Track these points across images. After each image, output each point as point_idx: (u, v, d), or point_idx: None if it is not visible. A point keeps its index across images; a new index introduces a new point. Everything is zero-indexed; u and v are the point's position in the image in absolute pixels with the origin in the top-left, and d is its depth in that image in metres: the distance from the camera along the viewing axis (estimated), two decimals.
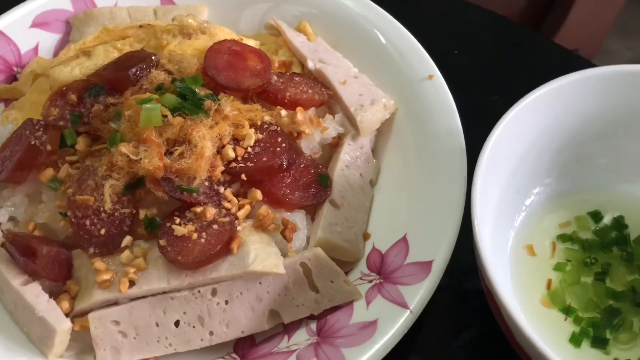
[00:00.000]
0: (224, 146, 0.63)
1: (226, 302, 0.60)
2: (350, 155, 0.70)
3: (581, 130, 0.66)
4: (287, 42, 0.78)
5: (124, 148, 0.61)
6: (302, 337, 0.60)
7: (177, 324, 0.60)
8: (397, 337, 0.57)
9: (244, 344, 0.63)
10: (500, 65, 0.93)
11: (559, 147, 0.67)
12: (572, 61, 0.92)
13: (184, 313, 0.60)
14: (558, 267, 0.65)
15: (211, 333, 0.60)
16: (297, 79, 0.72)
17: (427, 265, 0.61)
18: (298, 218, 0.64)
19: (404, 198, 0.68)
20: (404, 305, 0.59)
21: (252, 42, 0.76)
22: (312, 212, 0.67)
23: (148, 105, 0.61)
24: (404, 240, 0.64)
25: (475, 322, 0.67)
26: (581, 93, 0.64)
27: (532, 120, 0.62)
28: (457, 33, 0.96)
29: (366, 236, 0.68)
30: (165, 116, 0.62)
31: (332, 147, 0.72)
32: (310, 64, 0.75)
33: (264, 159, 0.64)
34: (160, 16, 0.83)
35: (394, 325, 0.58)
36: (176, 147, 0.62)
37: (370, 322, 0.59)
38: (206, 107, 0.63)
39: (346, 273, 0.65)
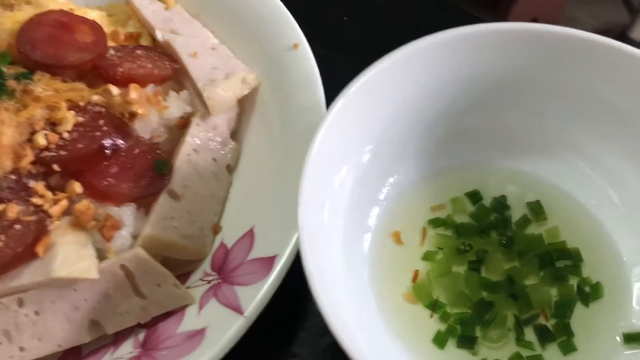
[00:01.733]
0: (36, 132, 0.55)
1: (36, 313, 0.52)
2: (199, 138, 0.62)
3: (454, 101, 0.58)
4: (135, 11, 0.69)
5: None
6: (126, 350, 0.52)
7: None
8: (227, 346, 0.49)
9: (69, 357, 0.55)
10: (397, 33, 0.84)
11: (429, 121, 0.58)
12: None
13: None
14: (427, 256, 0.57)
15: (22, 349, 0.52)
16: (139, 52, 0.63)
17: (269, 262, 0.53)
18: (124, 213, 0.56)
19: (266, 184, 0.60)
20: (238, 310, 0.51)
21: (93, 14, 0.67)
22: (150, 205, 0.59)
23: None
24: (250, 233, 0.56)
25: None
26: (449, 56, 0.55)
27: (390, 89, 0.54)
28: None
29: (217, 229, 0.60)
30: None
31: (181, 129, 0.63)
32: (159, 35, 0.66)
33: (80, 145, 0.55)
34: None
35: (224, 333, 0.50)
36: None
37: (198, 331, 0.51)
38: (10, 88, 0.54)
39: (190, 274, 0.58)
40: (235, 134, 0.66)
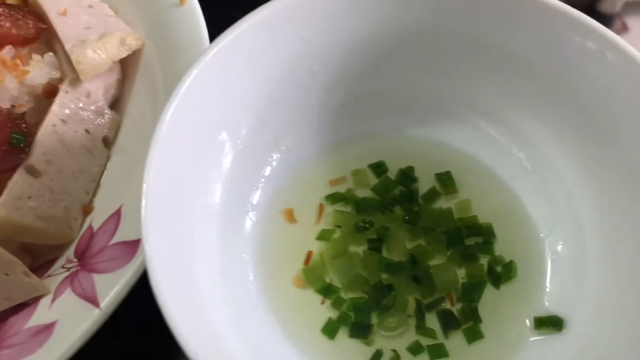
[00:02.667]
0: None
1: None
2: (68, 107, 0.54)
3: (353, 61, 0.51)
4: None
5: None
6: None
7: None
8: (76, 344, 0.42)
9: None
10: None
11: (326, 84, 0.51)
12: None
13: None
14: (323, 236, 0.51)
15: None
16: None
17: (133, 246, 0.46)
18: None
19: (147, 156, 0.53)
20: (94, 301, 0.44)
21: None
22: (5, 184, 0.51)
23: None
24: (117, 213, 0.49)
25: None
26: (341, 9, 0.48)
27: (271, 47, 0.47)
28: None
29: (88, 210, 0.53)
30: None
31: (48, 97, 0.55)
32: None
33: None
34: None
35: (75, 329, 0.43)
36: None
37: (46, 326, 0.44)
38: None
39: (55, 260, 0.51)
40: (116, 102, 0.59)
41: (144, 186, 0.37)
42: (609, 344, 0.41)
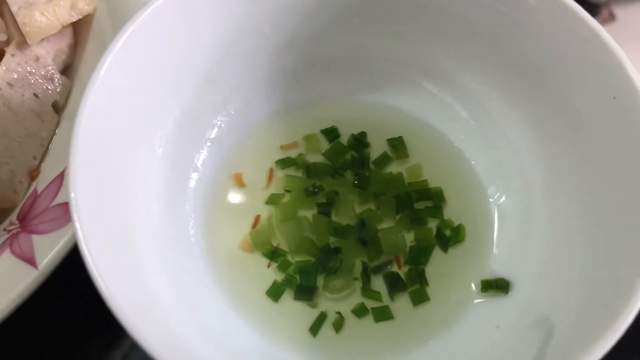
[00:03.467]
0: None
1: None
2: (15, 71, 0.53)
3: (304, 25, 0.50)
4: None
5: None
6: None
7: None
8: (10, 305, 0.42)
9: None
10: None
11: (277, 48, 0.50)
12: None
13: None
14: (272, 200, 0.50)
15: None
16: None
17: None
18: None
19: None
20: (32, 262, 0.43)
21: None
22: None
23: None
24: (61, 175, 0.49)
25: None
26: None
27: (215, 6, 0.46)
28: None
29: (34, 175, 0.52)
30: None
31: None
32: None
33: None
34: None
35: (10, 290, 0.42)
36: None
37: None
38: None
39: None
40: (67, 68, 0.58)
41: (73, 137, 0.37)
42: (551, 304, 0.41)
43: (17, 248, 0.45)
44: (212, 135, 0.50)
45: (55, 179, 0.49)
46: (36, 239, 0.45)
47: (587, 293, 0.38)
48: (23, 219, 0.47)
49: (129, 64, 0.41)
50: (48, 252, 0.44)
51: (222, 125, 0.51)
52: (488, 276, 0.46)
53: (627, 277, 0.35)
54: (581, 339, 0.34)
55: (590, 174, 0.43)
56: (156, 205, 0.44)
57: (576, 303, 0.39)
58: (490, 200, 0.50)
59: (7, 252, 0.45)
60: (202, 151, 0.50)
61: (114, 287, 0.33)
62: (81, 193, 0.36)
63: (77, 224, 0.34)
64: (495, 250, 0.48)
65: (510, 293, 0.45)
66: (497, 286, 0.45)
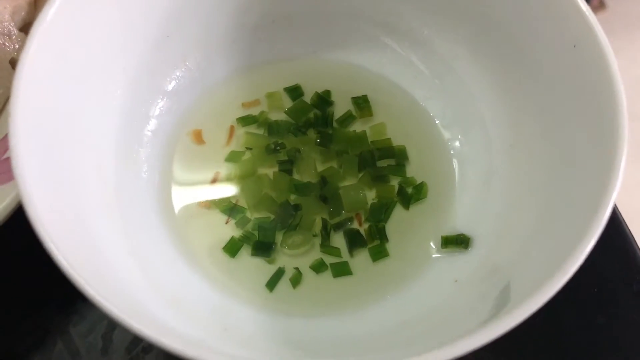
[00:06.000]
0: None
1: None
2: None
3: None
4: None
5: None
6: None
7: None
8: None
9: None
10: None
11: (241, 4, 0.49)
12: None
13: None
14: (232, 157, 0.49)
15: None
16: None
17: None
18: None
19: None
20: None
21: None
22: None
23: None
24: None
25: None
26: None
27: None
28: None
29: None
30: None
31: None
32: None
33: None
34: None
35: None
36: None
37: None
38: None
39: None
40: (27, 26, 0.56)
41: (15, 81, 0.35)
42: (507, 257, 0.41)
43: None
44: (170, 89, 0.49)
45: (6, 135, 0.48)
46: None
47: (540, 245, 0.38)
48: None
49: (80, 13, 0.40)
50: None
51: (181, 80, 0.50)
52: (448, 232, 0.46)
53: (578, 227, 0.35)
54: (533, 285, 0.34)
55: (550, 127, 0.42)
56: (109, 159, 0.43)
57: (530, 254, 0.39)
58: (454, 159, 0.49)
59: None
60: (159, 105, 0.49)
61: (57, 238, 0.32)
62: (23, 140, 0.35)
63: (17, 170, 0.33)
64: (456, 207, 0.47)
65: (470, 249, 0.45)
66: (457, 242, 0.45)
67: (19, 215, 0.42)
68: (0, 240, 0.44)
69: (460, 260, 0.44)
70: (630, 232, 0.50)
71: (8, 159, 0.44)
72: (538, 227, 0.40)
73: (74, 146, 0.40)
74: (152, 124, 0.48)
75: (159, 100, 0.48)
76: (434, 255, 0.45)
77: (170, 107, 0.49)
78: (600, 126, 0.36)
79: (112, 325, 0.47)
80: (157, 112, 0.48)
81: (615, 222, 0.50)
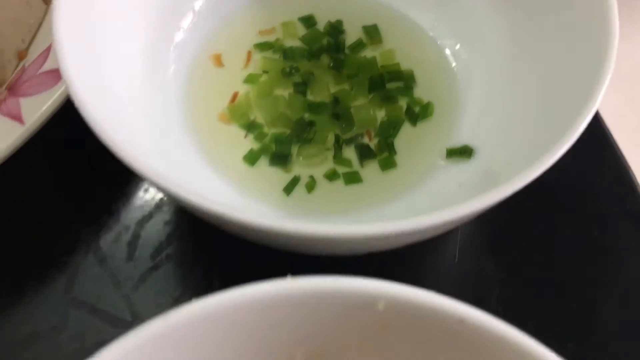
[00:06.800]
0: None
1: None
2: None
3: None
4: None
5: None
6: None
7: None
8: (2, 154, 0.45)
9: None
10: None
11: None
12: None
13: None
14: (250, 79, 0.52)
15: None
16: None
17: (58, 73, 0.48)
18: None
19: None
20: (19, 119, 0.46)
21: None
22: None
23: None
24: (47, 50, 0.51)
25: None
26: None
27: None
28: None
29: (22, 55, 0.54)
30: None
31: None
32: None
33: None
34: None
35: (2, 142, 0.45)
36: None
37: None
38: None
39: None
40: None
41: None
42: (503, 165, 0.44)
43: (5, 108, 0.47)
44: (187, 23, 0.52)
45: (41, 53, 0.51)
46: (23, 101, 0.47)
47: (534, 144, 0.41)
48: (11, 88, 0.50)
49: None
50: (35, 111, 0.46)
51: (202, 9, 0.53)
52: (453, 145, 0.49)
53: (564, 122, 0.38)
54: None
55: (547, 35, 0.45)
56: (139, 76, 0.47)
57: (523, 154, 0.42)
58: (460, 84, 0.52)
59: None
60: (187, 30, 0.52)
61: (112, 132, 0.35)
62: (66, 41, 0.38)
63: (66, 74, 0.36)
64: (461, 123, 0.50)
65: (472, 158, 0.48)
66: (461, 152, 0.48)
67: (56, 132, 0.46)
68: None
69: (463, 168, 0.47)
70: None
71: (46, 72, 0.48)
72: (533, 133, 0.43)
73: (106, 54, 0.43)
74: (177, 44, 0.51)
75: (182, 27, 0.52)
76: (439, 164, 0.48)
77: (194, 34, 0.52)
78: (594, 26, 0.39)
79: (136, 234, 0.50)
80: (180, 36, 0.52)
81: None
